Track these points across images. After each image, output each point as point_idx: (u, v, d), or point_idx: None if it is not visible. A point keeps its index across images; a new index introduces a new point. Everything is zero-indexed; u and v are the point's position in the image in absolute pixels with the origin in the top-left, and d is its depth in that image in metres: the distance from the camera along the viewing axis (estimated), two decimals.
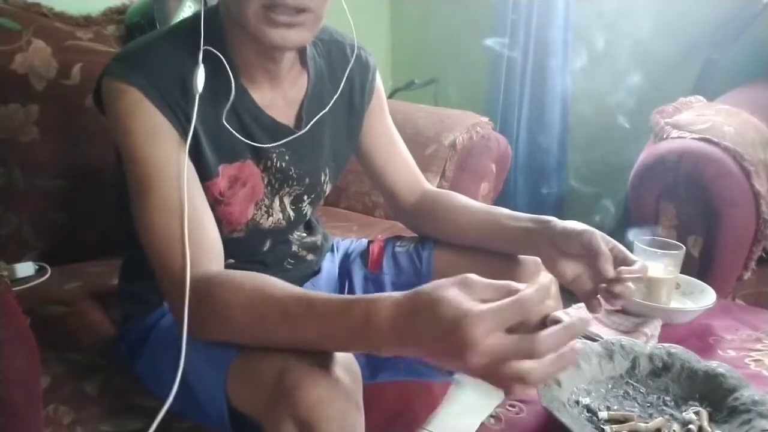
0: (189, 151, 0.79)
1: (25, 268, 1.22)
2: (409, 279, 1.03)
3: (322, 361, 0.66)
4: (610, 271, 0.80)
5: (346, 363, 0.68)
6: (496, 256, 0.96)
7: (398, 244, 1.07)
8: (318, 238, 1.08)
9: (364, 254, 1.09)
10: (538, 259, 0.92)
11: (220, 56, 0.80)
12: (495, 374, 0.54)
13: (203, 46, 0.80)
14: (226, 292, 0.71)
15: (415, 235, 1.09)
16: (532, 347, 0.53)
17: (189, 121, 0.79)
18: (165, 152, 0.78)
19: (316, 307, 0.65)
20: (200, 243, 0.76)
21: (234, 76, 0.82)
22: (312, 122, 0.91)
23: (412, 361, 0.98)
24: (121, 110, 0.77)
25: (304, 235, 1.05)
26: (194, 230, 0.76)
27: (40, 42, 1.25)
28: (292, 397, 0.63)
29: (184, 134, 0.79)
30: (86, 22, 1.35)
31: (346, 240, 1.17)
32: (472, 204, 1.01)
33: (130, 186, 0.79)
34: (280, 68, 0.86)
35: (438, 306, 0.56)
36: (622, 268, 0.82)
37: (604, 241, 0.85)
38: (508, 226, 0.94)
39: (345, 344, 0.65)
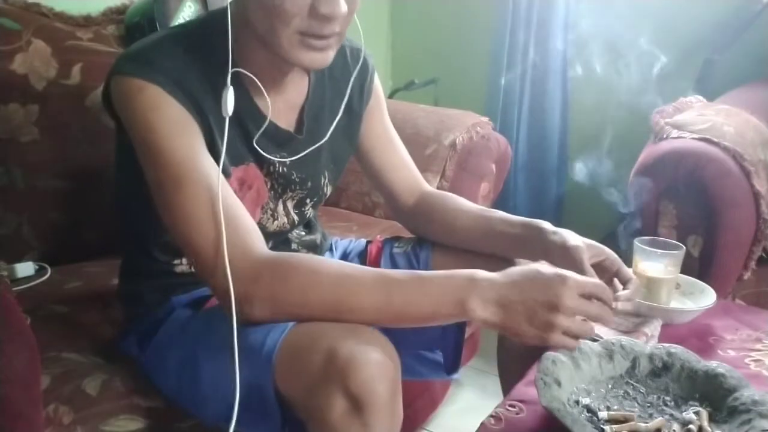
0: (208, 149, 0.80)
1: (25, 268, 1.22)
2: None
3: (372, 342, 0.69)
4: None
5: (388, 347, 0.71)
6: (493, 258, 0.96)
7: (396, 245, 1.07)
8: (317, 237, 1.08)
9: (362, 255, 1.10)
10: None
11: (253, 77, 0.81)
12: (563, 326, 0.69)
13: (204, 51, 0.80)
14: (312, 268, 0.74)
15: (414, 236, 1.09)
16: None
17: (204, 115, 0.80)
18: (193, 144, 0.78)
19: (421, 273, 0.74)
20: (249, 228, 0.77)
21: (238, 82, 0.82)
22: (329, 132, 0.93)
23: (412, 361, 0.98)
24: (142, 107, 0.77)
25: (303, 233, 1.05)
26: (237, 216, 0.76)
27: (40, 42, 1.25)
28: (346, 371, 0.65)
29: (201, 127, 0.79)
30: (86, 22, 1.35)
31: (344, 239, 1.17)
32: (469, 207, 1.01)
33: (156, 181, 0.78)
34: (287, 76, 0.87)
35: (538, 268, 0.72)
36: (619, 294, 0.83)
37: (593, 253, 0.86)
38: (502, 231, 0.94)
39: (442, 303, 0.72)
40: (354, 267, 0.75)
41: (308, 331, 0.72)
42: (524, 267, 0.73)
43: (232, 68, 0.78)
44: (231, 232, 0.74)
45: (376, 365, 0.66)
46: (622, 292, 0.84)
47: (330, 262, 0.76)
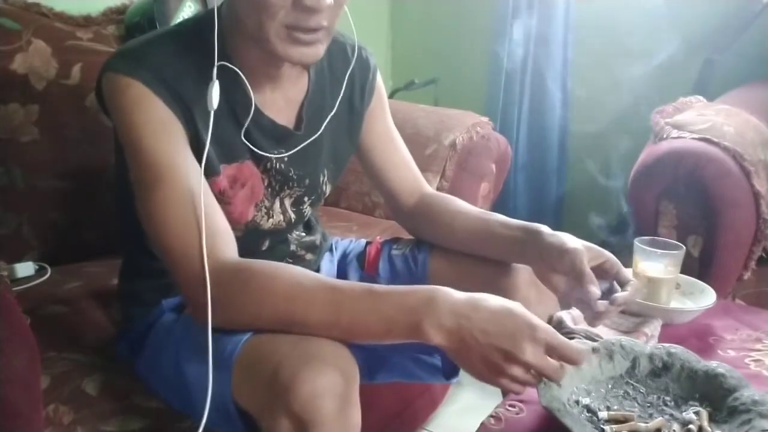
0: (193, 147, 0.80)
1: (25, 268, 1.22)
2: (404, 282, 1.03)
3: (319, 356, 0.67)
4: (595, 294, 0.80)
5: (342, 359, 0.69)
6: (491, 262, 0.96)
7: (395, 246, 1.07)
8: (317, 238, 1.08)
9: (361, 256, 1.10)
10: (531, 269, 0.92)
11: (237, 71, 0.81)
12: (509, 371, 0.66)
13: (200, 48, 0.80)
14: (269, 277, 0.72)
15: (413, 237, 1.09)
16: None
17: (191, 114, 0.79)
18: (173, 144, 0.78)
19: (377, 288, 0.71)
20: (219, 232, 0.77)
21: (234, 79, 0.82)
22: (322, 126, 0.92)
23: (410, 364, 0.98)
24: (126, 104, 0.77)
25: (303, 234, 1.05)
26: (211, 220, 0.76)
27: (40, 42, 1.25)
28: (288, 391, 0.64)
29: (186, 126, 0.79)
30: (86, 22, 1.35)
31: (345, 240, 1.17)
32: (468, 209, 1.01)
33: (136, 180, 0.78)
34: (281, 71, 0.87)
35: (512, 309, 0.68)
36: (617, 296, 0.82)
37: (592, 256, 0.85)
38: (500, 234, 0.93)
39: (394, 323, 0.69)
40: (311, 278, 0.73)
41: (261, 345, 0.71)
42: (498, 303, 0.68)
43: (222, 64, 0.79)
44: (196, 236, 0.74)
45: (320, 381, 0.65)
46: (620, 294, 0.83)
47: (288, 271, 0.74)
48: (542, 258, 0.87)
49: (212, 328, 0.73)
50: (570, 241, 0.85)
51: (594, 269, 0.84)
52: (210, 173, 0.83)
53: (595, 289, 0.80)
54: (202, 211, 0.74)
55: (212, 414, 0.75)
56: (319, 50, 0.79)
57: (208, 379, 0.69)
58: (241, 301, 0.72)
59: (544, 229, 0.89)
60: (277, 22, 0.74)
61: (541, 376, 0.69)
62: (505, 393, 0.87)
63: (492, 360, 0.66)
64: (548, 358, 0.67)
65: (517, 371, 0.67)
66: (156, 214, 0.76)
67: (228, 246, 0.77)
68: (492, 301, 0.69)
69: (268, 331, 0.72)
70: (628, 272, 0.88)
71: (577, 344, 0.68)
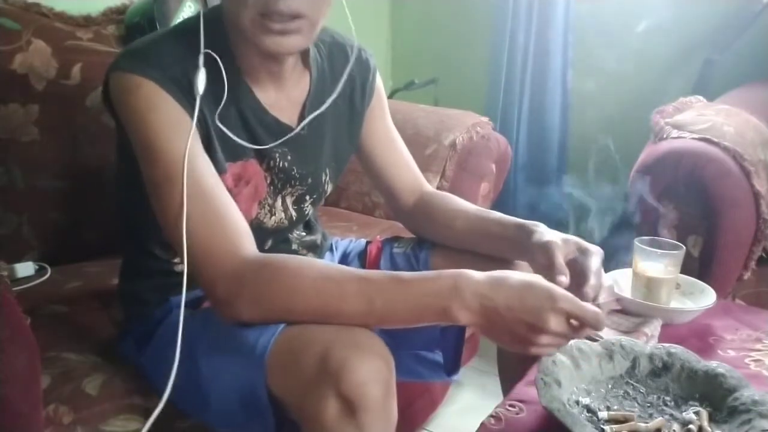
0: (204, 144, 0.80)
1: (25, 268, 1.22)
2: None
3: (363, 344, 0.69)
4: (562, 283, 0.79)
5: (381, 347, 0.70)
6: (492, 259, 0.96)
7: (396, 245, 1.08)
8: (317, 237, 1.08)
9: (362, 255, 1.10)
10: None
11: (218, 59, 0.81)
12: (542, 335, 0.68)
13: (204, 48, 0.80)
14: (295, 273, 0.73)
15: (414, 236, 1.09)
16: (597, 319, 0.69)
17: (201, 111, 0.80)
18: (185, 141, 0.77)
19: (402, 276, 0.73)
20: (239, 229, 0.77)
21: (238, 77, 0.83)
22: (307, 121, 0.92)
23: (411, 362, 0.98)
24: (138, 103, 0.77)
25: (304, 234, 1.06)
26: (229, 215, 0.76)
27: (40, 42, 1.25)
28: (338, 375, 0.66)
29: (196, 125, 0.80)
30: (86, 22, 1.35)
31: (345, 239, 1.17)
32: (467, 208, 1.01)
33: (149, 178, 0.78)
34: (283, 69, 0.87)
35: (532, 282, 0.70)
36: (586, 289, 0.80)
37: (570, 249, 0.83)
38: (497, 233, 0.94)
39: (425, 309, 0.71)
40: (338, 270, 0.74)
41: (300, 334, 0.72)
42: (518, 278, 0.71)
43: (224, 61, 0.80)
44: (219, 232, 0.75)
45: (369, 368, 0.67)
46: (587, 287, 0.80)
47: (314, 265, 0.75)
48: (531, 254, 0.87)
49: (237, 323, 0.75)
50: (547, 234, 0.86)
51: (573, 262, 0.83)
52: (217, 171, 0.83)
53: (564, 279, 0.79)
54: (184, 195, 0.75)
55: (236, 410, 0.75)
56: (296, 41, 0.78)
57: (174, 364, 0.72)
58: (269, 297, 0.73)
59: (534, 227, 0.89)
60: (249, 9, 0.74)
61: (567, 340, 0.72)
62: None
63: (519, 333, 0.69)
64: (571, 323, 0.70)
65: (544, 339, 0.69)
66: (174, 213, 0.76)
67: (250, 242, 0.77)
68: (512, 277, 0.71)
69: (300, 323, 0.73)
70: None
71: (595, 308, 0.70)
